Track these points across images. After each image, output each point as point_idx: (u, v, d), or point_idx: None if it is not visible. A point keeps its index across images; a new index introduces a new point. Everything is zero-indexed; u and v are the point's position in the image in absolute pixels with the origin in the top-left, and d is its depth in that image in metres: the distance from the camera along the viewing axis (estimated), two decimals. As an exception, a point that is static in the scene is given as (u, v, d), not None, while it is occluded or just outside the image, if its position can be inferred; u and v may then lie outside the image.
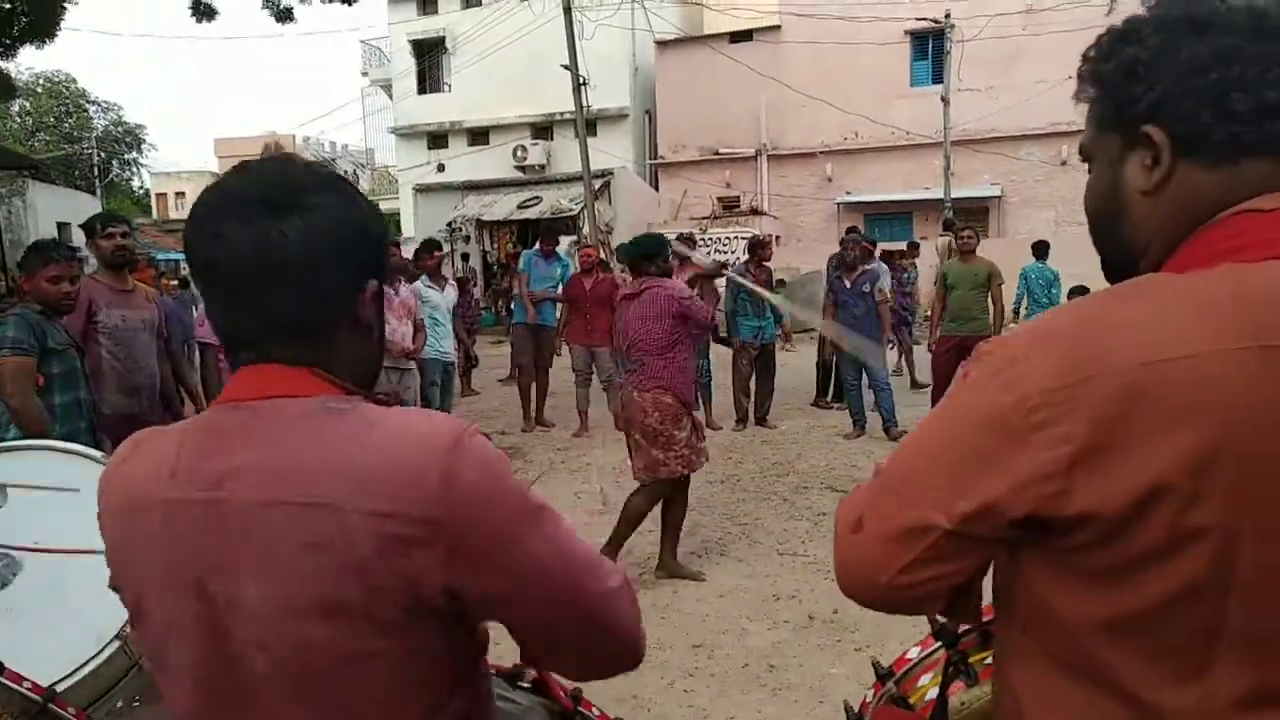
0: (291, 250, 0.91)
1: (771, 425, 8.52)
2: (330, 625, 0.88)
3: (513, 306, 8.96)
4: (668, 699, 3.44)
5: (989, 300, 7.68)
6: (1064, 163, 19.98)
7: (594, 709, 1.46)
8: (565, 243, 18.82)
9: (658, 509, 4.79)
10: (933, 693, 1.24)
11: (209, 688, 0.93)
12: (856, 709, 1.43)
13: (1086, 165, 0.97)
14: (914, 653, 1.38)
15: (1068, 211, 20.08)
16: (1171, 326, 0.79)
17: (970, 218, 19.68)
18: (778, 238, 18.78)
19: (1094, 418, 0.78)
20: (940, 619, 1.25)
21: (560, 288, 8.84)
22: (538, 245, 9.31)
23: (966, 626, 1.25)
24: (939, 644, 1.29)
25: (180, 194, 44.97)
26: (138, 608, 0.98)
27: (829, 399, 9.39)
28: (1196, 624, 0.79)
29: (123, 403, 4.14)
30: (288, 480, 0.89)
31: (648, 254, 4.81)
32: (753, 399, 8.58)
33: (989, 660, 1.19)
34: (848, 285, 7.97)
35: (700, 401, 8.01)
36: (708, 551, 5.14)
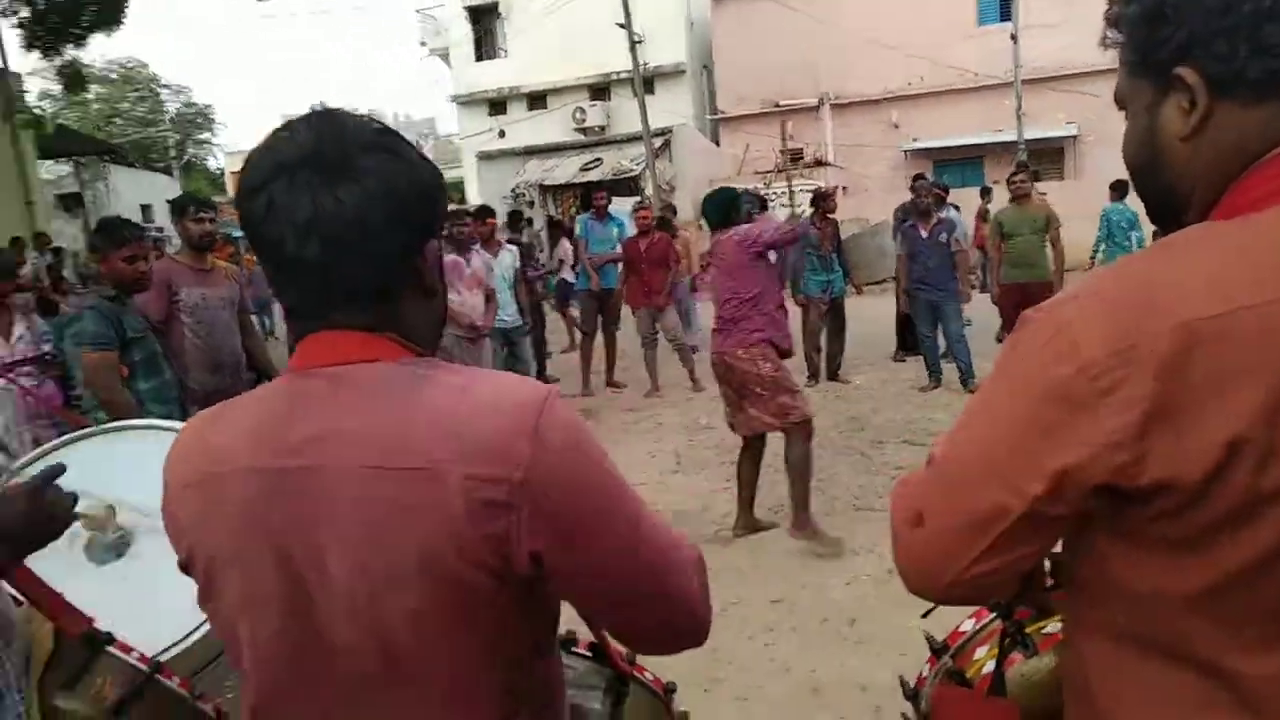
0: (350, 217, 0.89)
1: (845, 380, 8.45)
2: (423, 592, 0.87)
3: (575, 273, 8.98)
4: (749, 653, 3.49)
5: (1049, 244, 7.47)
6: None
7: (647, 672, 1.46)
8: (629, 203, 18.89)
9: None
10: (989, 665, 1.21)
11: (289, 660, 0.93)
12: (913, 685, 1.39)
13: (1122, 113, 0.93)
14: (968, 625, 1.34)
15: (1149, 148, 19.26)
16: (1224, 279, 0.76)
17: (1045, 159, 19.04)
18: (845, 188, 18.42)
19: (1158, 378, 0.75)
20: None
21: (618, 248, 8.87)
22: (590, 209, 9.34)
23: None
24: (994, 615, 1.25)
25: (251, 171, 45.99)
26: (211, 581, 0.96)
27: (904, 352, 9.23)
28: (1278, 588, 0.77)
29: (209, 380, 4.27)
30: (382, 445, 0.88)
31: (722, 209, 4.76)
32: (824, 354, 8.51)
33: (1047, 630, 1.16)
34: (924, 235, 7.72)
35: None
36: (784, 508, 5.14)
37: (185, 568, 1.00)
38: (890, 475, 5.57)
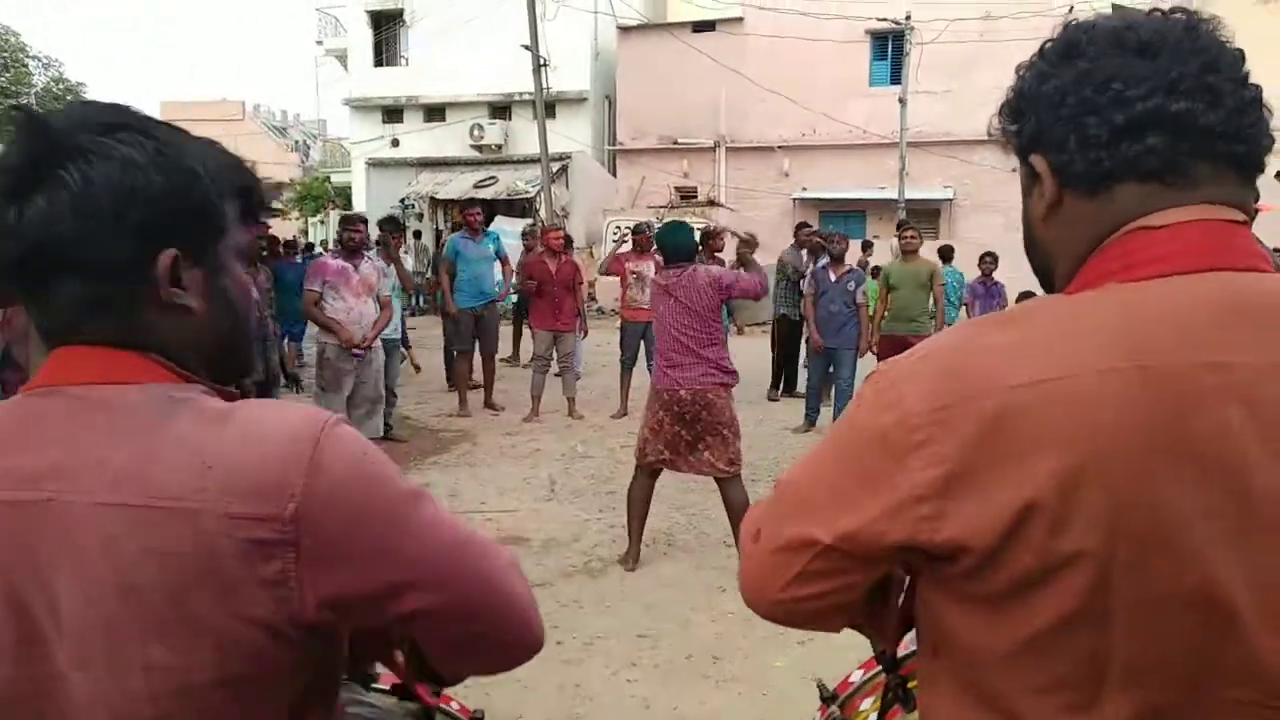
0: (34, 232, 0.79)
1: None
2: (176, 646, 0.77)
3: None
4: (610, 689, 3.43)
5: (930, 300, 7.81)
6: (1014, 169, 20.09)
7: (454, 702, 1.41)
8: (521, 224, 18.78)
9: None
10: (873, 718, 1.24)
11: (20, 716, 0.81)
12: None
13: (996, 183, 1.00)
14: (856, 676, 1.37)
15: (1017, 218, 20.12)
16: (1044, 349, 0.79)
17: (922, 219, 19.97)
18: (734, 234, 18.82)
19: (963, 439, 0.77)
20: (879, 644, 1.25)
21: (499, 265, 8.88)
22: (461, 229, 9.23)
23: (907, 650, 1.22)
24: (879, 668, 1.28)
25: (122, 157, 43.63)
26: None
27: (779, 391, 9.46)
28: (1082, 655, 0.78)
29: None
30: (130, 479, 0.78)
31: (688, 246, 4.71)
32: None
33: None
34: (833, 279, 7.92)
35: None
36: (654, 541, 5.12)
37: None
38: (761, 514, 5.64)
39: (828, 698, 1.35)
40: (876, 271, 10.19)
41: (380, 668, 1.28)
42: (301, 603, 0.79)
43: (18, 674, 0.80)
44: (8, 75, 36.38)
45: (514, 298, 11.04)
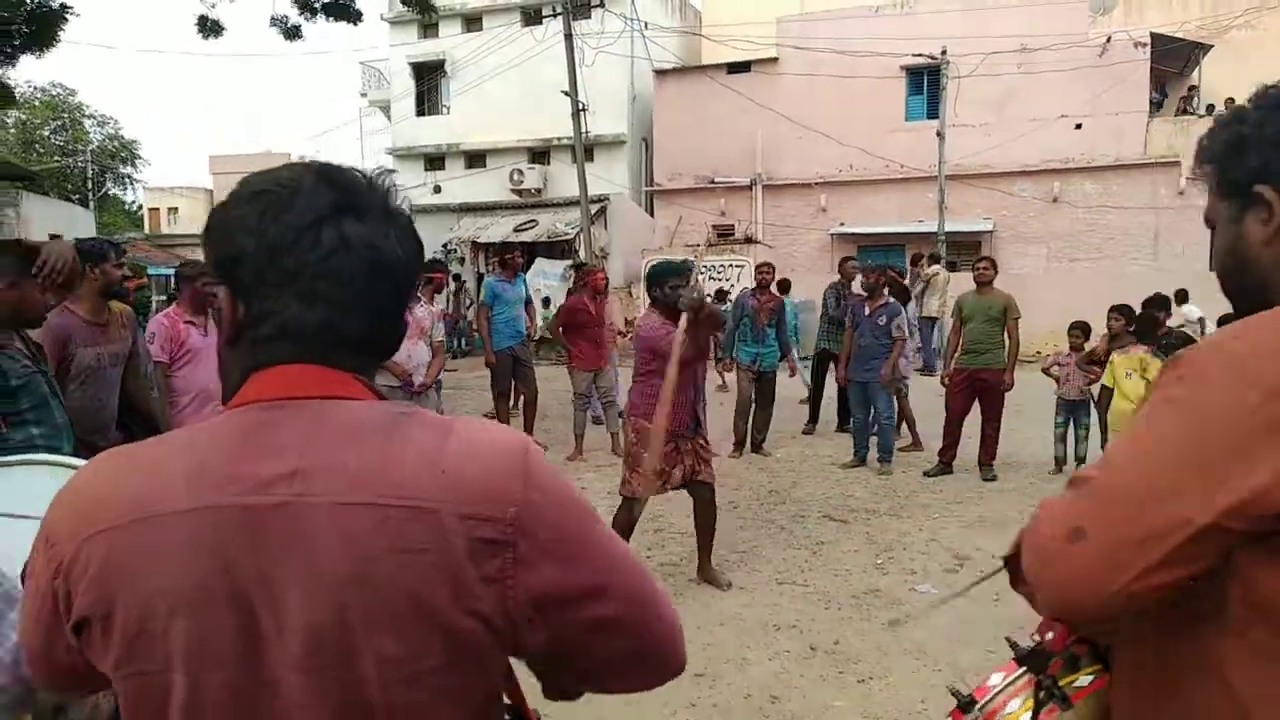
0: (395, 254, 0.93)
1: (766, 453, 8.49)
2: (409, 638, 0.84)
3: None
4: (669, 729, 3.40)
5: (1004, 334, 7.52)
6: (1055, 199, 20.17)
7: None
8: (561, 266, 18.96)
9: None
10: (1025, 718, 1.23)
11: (234, 716, 0.85)
12: None
13: (1210, 230, 1.14)
14: (995, 679, 1.33)
15: (1059, 247, 20.24)
16: None
17: (963, 251, 19.84)
18: (772, 266, 18.80)
19: None
20: (1020, 644, 1.26)
21: (528, 305, 9.08)
22: (497, 270, 9.39)
23: (1053, 650, 1.25)
24: (1022, 669, 1.27)
25: (173, 209, 44.92)
26: (140, 637, 0.85)
27: (817, 425, 9.38)
28: None
29: (85, 436, 3.96)
30: (371, 481, 0.85)
31: (651, 278, 4.97)
32: (750, 425, 8.56)
33: (1078, 683, 1.21)
34: (866, 312, 7.85)
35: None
36: (730, 563, 5.09)
37: (78, 627, 0.89)
38: (812, 549, 5.59)
39: (965, 703, 1.33)
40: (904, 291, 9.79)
41: None
42: (515, 599, 0.87)
43: (240, 678, 0.84)
44: (67, 134, 37.75)
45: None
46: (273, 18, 11.75)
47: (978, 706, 1.29)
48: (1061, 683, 1.20)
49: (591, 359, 8.52)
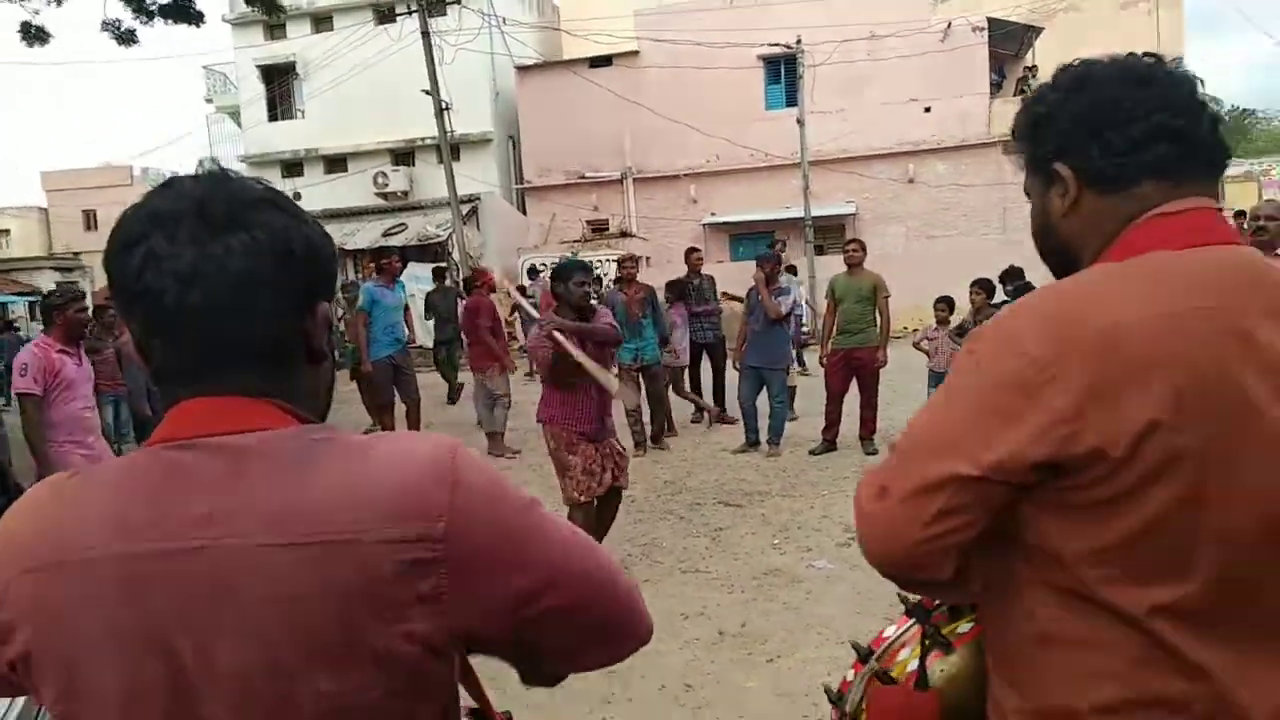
0: (238, 266, 0.84)
1: (664, 445, 8.47)
2: (344, 673, 0.81)
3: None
4: (588, 728, 3.39)
5: (875, 312, 7.79)
6: (911, 180, 21.10)
7: None
8: (429, 269, 18.57)
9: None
10: (913, 664, 1.35)
11: None
12: (836, 689, 1.51)
13: (1029, 199, 1.22)
14: (890, 631, 1.47)
15: (917, 226, 21.19)
16: (1135, 295, 0.99)
17: (829, 234, 20.52)
18: (648, 258, 18.98)
19: (1091, 368, 0.95)
20: (910, 598, 1.38)
21: (407, 311, 8.98)
22: (373, 275, 9.15)
23: (934, 604, 1.38)
24: (913, 621, 1.40)
25: (4, 231, 41.65)
26: (72, 679, 0.83)
27: (706, 415, 9.44)
28: (1180, 536, 0.96)
29: None
30: (288, 519, 0.81)
31: (557, 276, 4.97)
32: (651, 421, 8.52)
33: (960, 630, 1.33)
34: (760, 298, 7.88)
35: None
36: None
37: (12, 666, 0.86)
38: (711, 536, 5.67)
39: (863, 655, 1.44)
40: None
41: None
42: (454, 615, 0.84)
43: None
44: (-128, 154, 34.52)
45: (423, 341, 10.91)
46: (104, 23, 11.02)
47: (874, 656, 1.42)
48: (945, 630, 1.34)
49: (498, 356, 8.46)
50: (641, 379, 8.45)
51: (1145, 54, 1.13)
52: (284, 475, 0.83)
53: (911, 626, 1.40)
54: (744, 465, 7.58)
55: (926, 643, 1.34)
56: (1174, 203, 1.07)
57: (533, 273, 16.18)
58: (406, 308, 9.15)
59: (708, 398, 9.70)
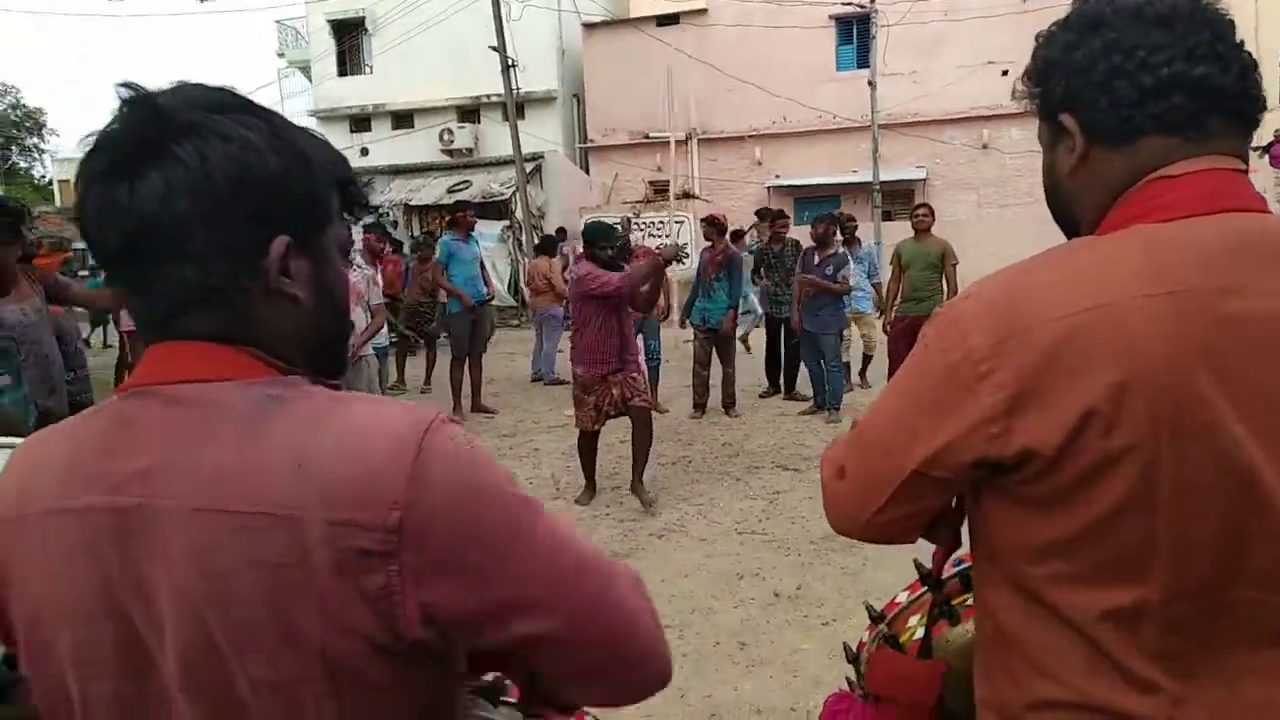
0: (146, 208, 0.75)
1: (736, 414, 8.13)
2: (280, 662, 0.74)
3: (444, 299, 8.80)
4: (642, 681, 3.42)
5: (942, 280, 7.61)
6: (985, 146, 20.50)
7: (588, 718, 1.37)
8: (498, 227, 18.68)
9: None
10: (920, 633, 1.35)
11: None
12: (854, 649, 1.53)
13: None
14: (903, 597, 1.47)
15: (990, 194, 20.61)
16: (1087, 282, 0.90)
17: (898, 199, 20.09)
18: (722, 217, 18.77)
19: (1023, 365, 0.89)
20: (924, 566, 1.36)
21: (483, 265, 9.01)
22: (449, 232, 9.09)
23: (950, 573, 1.37)
24: (925, 589, 1.38)
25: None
26: (36, 636, 0.80)
27: (781, 393, 8.88)
28: (1131, 538, 0.89)
29: (46, 400, 3.82)
30: (226, 484, 0.73)
31: (587, 240, 5.59)
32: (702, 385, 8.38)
33: (970, 601, 1.29)
34: (815, 261, 7.82)
35: (647, 383, 7.99)
36: (669, 532, 5.14)
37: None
38: (768, 499, 5.66)
39: (876, 617, 1.46)
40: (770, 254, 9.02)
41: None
42: (405, 619, 0.74)
43: (127, 689, 0.77)
44: (-36, 104, 35.77)
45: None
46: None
47: (886, 620, 1.44)
48: (955, 601, 1.34)
49: None
50: (710, 341, 8.22)
51: None
52: (228, 434, 0.75)
53: (924, 594, 1.39)
54: (803, 430, 7.53)
55: (935, 612, 1.33)
56: (1181, 164, 0.94)
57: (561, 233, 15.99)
58: (481, 264, 9.11)
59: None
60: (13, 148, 37.31)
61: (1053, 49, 1.02)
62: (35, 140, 40.17)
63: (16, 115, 38.18)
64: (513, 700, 1.30)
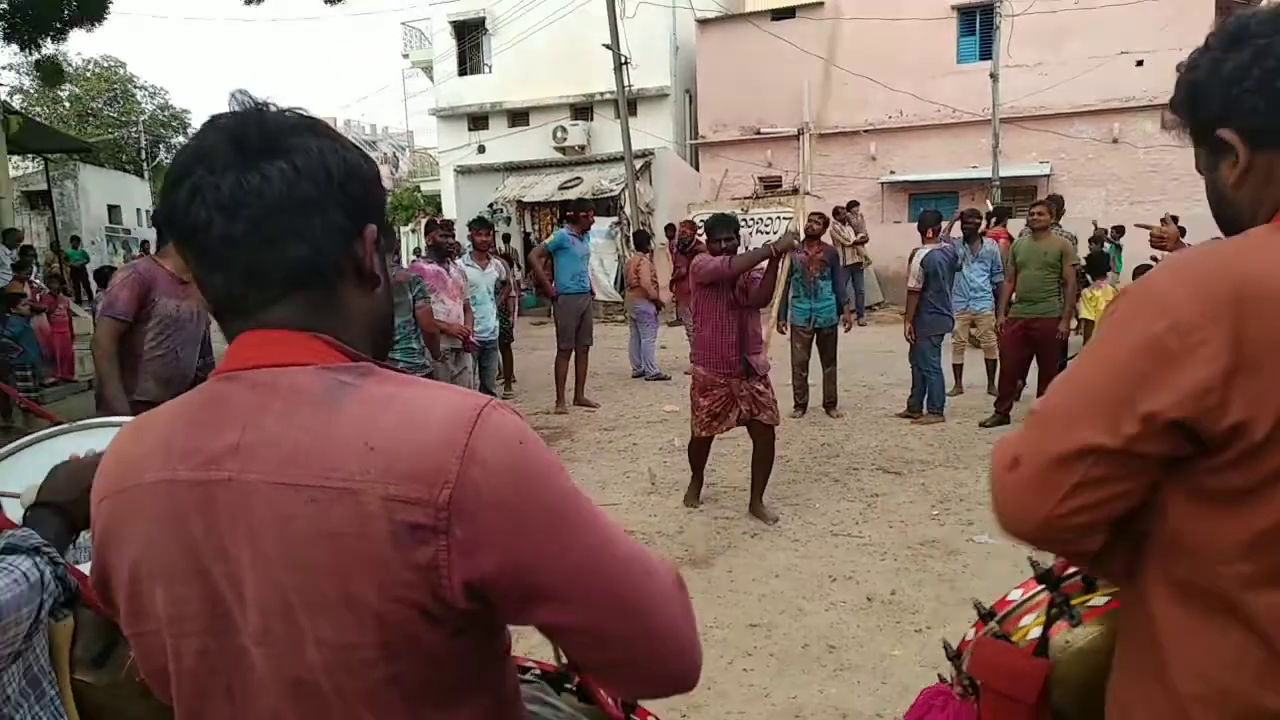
0: (277, 191, 0.84)
1: (838, 414, 8.02)
2: (343, 626, 0.80)
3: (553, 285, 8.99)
4: (727, 678, 3.43)
5: (1059, 281, 7.23)
6: (1115, 140, 19.47)
7: (650, 718, 1.39)
8: (607, 223, 18.87)
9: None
10: (1035, 632, 1.29)
11: (211, 687, 0.88)
12: (955, 647, 1.48)
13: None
14: (1015, 595, 1.41)
15: (1119, 190, 19.58)
16: None
17: (1019, 196, 19.30)
18: (823, 216, 18.49)
19: (1240, 336, 0.88)
20: (1041, 564, 1.32)
21: (592, 262, 9.14)
22: (567, 226, 9.20)
23: (1067, 571, 1.31)
24: (1041, 587, 1.34)
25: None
26: (137, 600, 0.90)
27: (922, 411, 7.84)
28: None
29: (160, 393, 4.05)
30: (301, 460, 0.81)
31: (708, 230, 5.38)
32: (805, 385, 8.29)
33: (1092, 603, 1.26)
34: (972, 256, 7.73)
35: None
36: (762, 531, 5.11)
37: (101, 588, 0.95)
38: (866, 502, 5.56)
39: (985, 614, 1.40)
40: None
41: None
42: (452, 591, 0.79)
43: (211, 645, 0.86)
44: (119, 106, 38.41)
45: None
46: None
47: (996, 619, 1.38)
48: (1075, 602, 1.28)
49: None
50: (815, 341, 8.14)
51: None
52: (305, 415, 0.82)
53: (1039, 593, 1.34)
54: (907, 433, 7.35)
55: (1053, 611, 1.28)
56: None
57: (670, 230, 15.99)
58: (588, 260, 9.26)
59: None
60: (160, 146, 39.84)
61: (1197, 71, 1.05)
62: (181, 139, 42.82)
63: (164, 115, 40.76)
64: (574, 689, 1.34)
